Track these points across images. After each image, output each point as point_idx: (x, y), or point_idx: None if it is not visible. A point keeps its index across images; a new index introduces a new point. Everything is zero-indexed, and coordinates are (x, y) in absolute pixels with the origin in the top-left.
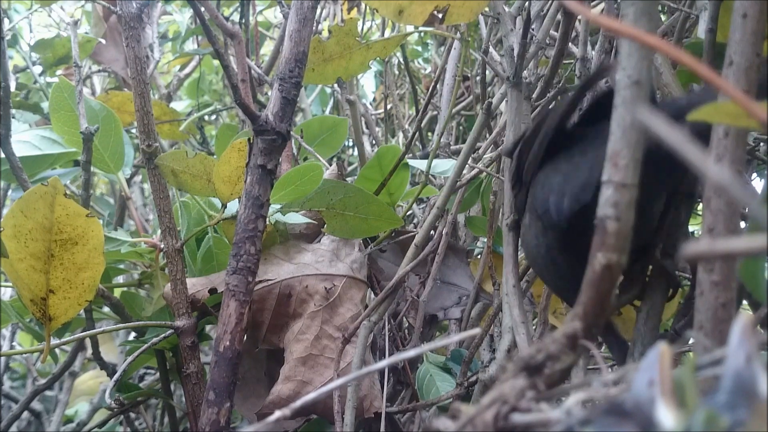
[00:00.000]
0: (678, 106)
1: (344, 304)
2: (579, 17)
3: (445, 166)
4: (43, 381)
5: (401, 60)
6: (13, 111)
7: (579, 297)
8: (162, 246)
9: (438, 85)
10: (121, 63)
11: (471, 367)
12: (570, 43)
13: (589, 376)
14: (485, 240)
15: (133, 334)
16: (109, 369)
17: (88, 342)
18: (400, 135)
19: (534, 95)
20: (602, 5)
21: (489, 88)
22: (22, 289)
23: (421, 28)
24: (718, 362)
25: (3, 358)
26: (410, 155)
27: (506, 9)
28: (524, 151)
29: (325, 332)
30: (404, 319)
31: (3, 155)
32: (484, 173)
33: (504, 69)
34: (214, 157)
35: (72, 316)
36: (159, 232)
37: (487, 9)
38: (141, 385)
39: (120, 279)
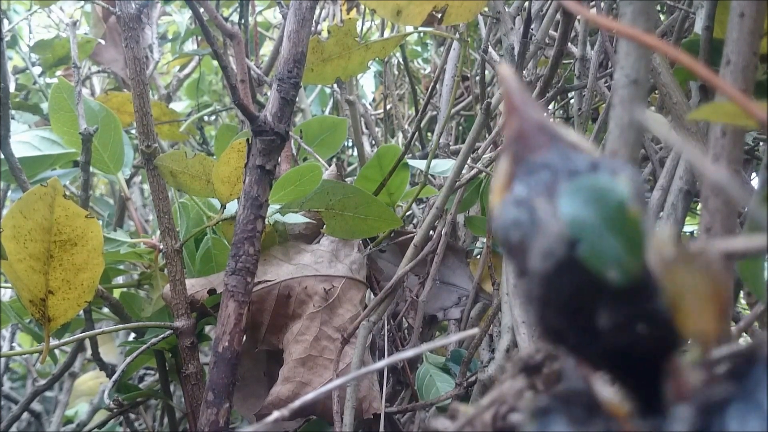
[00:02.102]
0: None
1: (343, 305)
2: (578, 17)
3: (444, 166)
4: (43, 382)
5: (401, 60)
6: (13, 112)
7: None
8: (161, 247)
9: (437, 85)
10: (121, 64)
11: (470, 367)
12: (569, 43)
13: None
14: (485, 240)
15: (132, 335)
16: (109, 369)
17: (87, 343)
18: (400, 135)
19: (533, 95)
20: (601, 4)
21: (488, 88)
22: (22, 290)
23: (420, 29)
24: None
25: (3, 359)
26: (410, 155)
27: (506, 9)
28: None
29: (324, 333)
30: (404, 319)
31: (2, 156)
32: (484, 173)
33: None
34: (214, 157)
35: (71, 317)
36: (158, 232)
37: (486, 9)
38: (140, 385)
39: (119, 280)
